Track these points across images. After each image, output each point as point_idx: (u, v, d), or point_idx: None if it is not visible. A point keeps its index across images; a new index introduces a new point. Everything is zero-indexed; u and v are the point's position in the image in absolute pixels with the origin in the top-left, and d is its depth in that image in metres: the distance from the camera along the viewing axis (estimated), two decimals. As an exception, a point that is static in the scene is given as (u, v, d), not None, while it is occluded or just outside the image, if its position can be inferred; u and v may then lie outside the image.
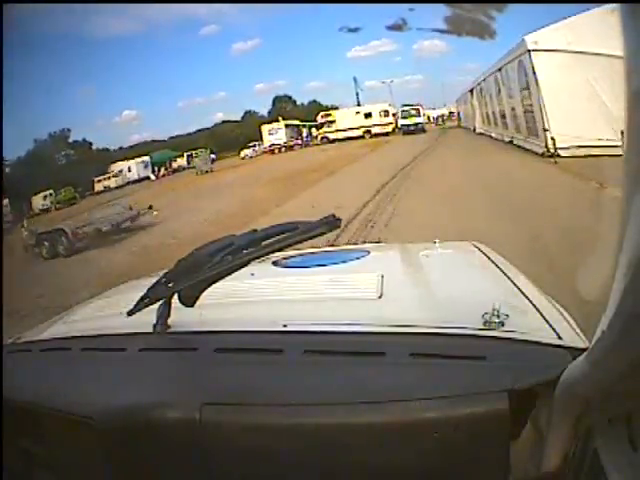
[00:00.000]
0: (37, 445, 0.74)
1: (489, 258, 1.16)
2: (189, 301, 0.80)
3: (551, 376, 0.55)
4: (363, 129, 30.51)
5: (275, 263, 1.21)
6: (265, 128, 32.64)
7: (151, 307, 0.82)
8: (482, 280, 1.07)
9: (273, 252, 0.79)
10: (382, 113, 30.86)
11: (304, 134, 33.60)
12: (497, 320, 0.70)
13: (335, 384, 0.63)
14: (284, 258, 1.24)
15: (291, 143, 31.16)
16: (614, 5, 0.35)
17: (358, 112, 31.72)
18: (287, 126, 32.60)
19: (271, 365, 0.69)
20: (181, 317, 0.82)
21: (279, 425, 0.61)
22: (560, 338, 0.67)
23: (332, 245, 1.34)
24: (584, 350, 0.51)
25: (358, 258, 1.20)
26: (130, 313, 0.84)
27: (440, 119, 38.61)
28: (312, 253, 1.32)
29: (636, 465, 0.46)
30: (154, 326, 0.81)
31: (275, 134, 31.81)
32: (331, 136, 31.06)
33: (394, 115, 30.16)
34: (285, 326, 0.76)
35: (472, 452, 0.58)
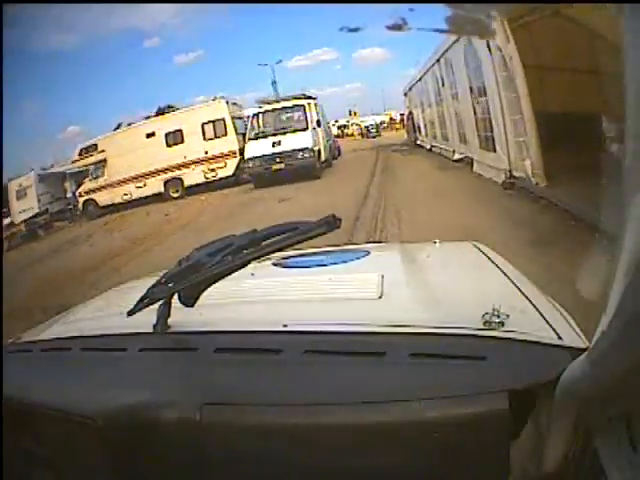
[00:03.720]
0: (37, 445, 0.74)
1: (489, 258, 1.16)
2: (189, 301, 0.80)
3: (551, 376, 0.55)
4: (163, 176, 13.08)
5: (275, 263, 1.21)
6: (12, 185, 13.55)
7: (151, 307, 0.82)
8: (482, 280, 1.07)
9: (273, 252, 0.79)
10: (209, 128, 12.81)
11: (70, 192, 14.39)
12: (497, 320, 0.70)
13: (335, 384, 0.63)
14: (284, 258, 1.24)
15: (43, 218, 13.25)
16: (614, 5, 0.35)
17: (151, 133, 13.19)
18: (43, 179, 13.99)
19: (271, 365, 0.69)
20: (181, 317, 0.82)
21: (279, 425, 0.61)
22: (560, 338, 0.67)
23: (332, 245, 1.34)
24: (584, 350, 0.51)
25: (358, 258, 1.20)
26: (130, 313, 0.84)
27: (374, 128, 26.80)
28: (312, 253, 1.32)
29: (636, 465, 0.46)
30: (154, 326, 0.81)
31: (23, 197, 13.51)
32: (101, 199, 13.60)
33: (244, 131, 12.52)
34: (285, 326, 0.76)
35: (472, 452, 0.58)
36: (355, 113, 31.97)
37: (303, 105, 11.91)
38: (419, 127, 14.52)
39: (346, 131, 29.63)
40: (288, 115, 12.06)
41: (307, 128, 11.47)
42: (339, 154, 15.48)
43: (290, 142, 11.05)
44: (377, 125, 28.88)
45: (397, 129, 25.91)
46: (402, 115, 21.98)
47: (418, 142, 14.52)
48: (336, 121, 32.13)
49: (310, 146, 10.98)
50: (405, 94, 16.36)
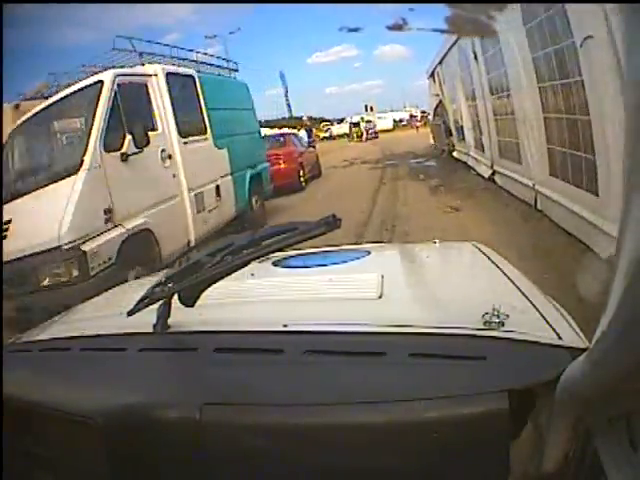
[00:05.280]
0: (37, 445, 0.74)
1: (489, 258, 1.16)
2: (189, 301, 0.80)
3: (551, 376, 0.55)
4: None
5: (275, 263, 1.21)
6: None
7: (151, 307, 0.82)
8: (482, 280, 1.07)
9: (273, 252, 0.79)
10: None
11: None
12: (497, 320, 0.70)
13: (335, 384, 0.63)
14: (284, 258, 1.24)
15: None
16: (614, 5, 0.35)
17: None
18: None
19: (271, 365, 0.69)
20: (181, 317, 0.82)
21: (279, 425, 0.61)
22: (560, 338, 0.67)
23: (332, 245, 1.35)
24: (584, 350, 0.51)
25: (358, 258, 1.21)
26: (130, 313, 0.84)
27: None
28: (312, 253, 1.32)
29: (636, 465, 0.46)
30: (154, 326, 0.81)
31: None
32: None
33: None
34: (285, 326, 0.76)
35: (472, 452, 0.58)
36: (372, 108, 30.28)
37: (93, 95, 3.56)
38: (461, 128, 8.50)
39: (354, 130, 27.14)
40: (50, 134, 3.74)
41: (79, 168, 3.24)
42: (319, 174, 9.83)
43: (23, 227, 3.12)
44: (395, 122, 26.98)
45: (417, 128, 23.05)
46: (423, 113, 17.36)
47: (455, 154, 8.90)
48: (351, 117, 30.80)
49: (66, 241, 2.99)
50: (431, 74, 9.91)
